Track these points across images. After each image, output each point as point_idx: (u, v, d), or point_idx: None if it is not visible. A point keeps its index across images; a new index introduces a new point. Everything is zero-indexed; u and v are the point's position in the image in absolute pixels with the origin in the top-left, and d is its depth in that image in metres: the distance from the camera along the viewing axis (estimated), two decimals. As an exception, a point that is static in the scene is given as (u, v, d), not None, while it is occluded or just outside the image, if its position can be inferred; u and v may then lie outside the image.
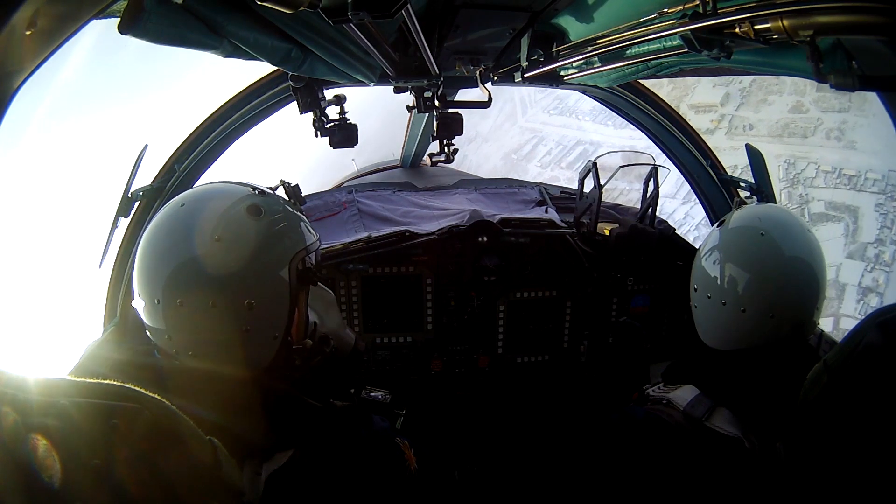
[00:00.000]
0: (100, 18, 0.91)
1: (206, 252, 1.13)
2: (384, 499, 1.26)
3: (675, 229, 2.75)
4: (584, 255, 2.66)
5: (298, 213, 1.33)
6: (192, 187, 1.52)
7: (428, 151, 3.76)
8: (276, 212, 1.24)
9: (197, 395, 1.04)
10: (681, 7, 1.20)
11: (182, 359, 1.15)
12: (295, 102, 2.16)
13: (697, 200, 2.81)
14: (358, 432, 1.28)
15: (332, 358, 1.40)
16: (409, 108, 2.73)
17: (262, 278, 1.18)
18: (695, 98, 23.22)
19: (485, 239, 2.56)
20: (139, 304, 1.17)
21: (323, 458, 1.17)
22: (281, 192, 1.37)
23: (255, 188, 1.27)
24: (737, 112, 22.43)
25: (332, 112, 2.30)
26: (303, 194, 1.53)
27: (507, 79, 2.30)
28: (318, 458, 1.16)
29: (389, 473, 1.29)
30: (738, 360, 1.51)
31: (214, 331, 1.15)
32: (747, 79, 21.58)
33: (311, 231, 1.32)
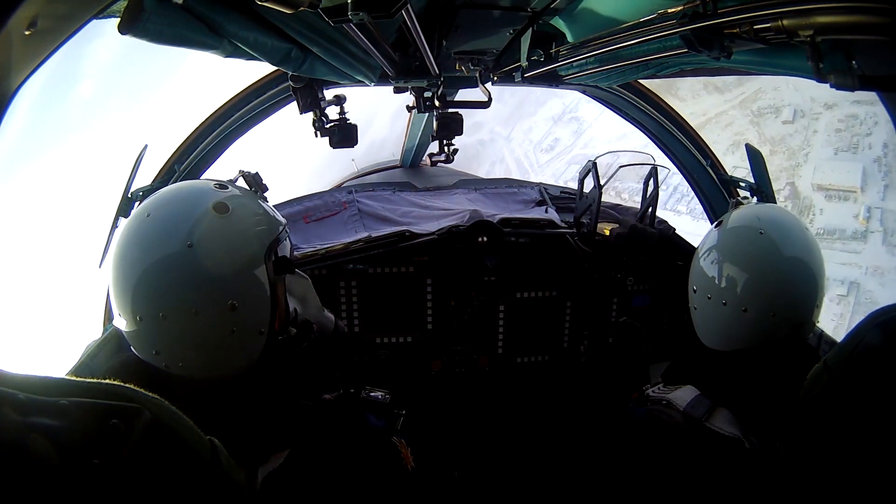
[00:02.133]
0: (100, 18, 0.92)
1: (182, 260, 1.11)
2: (380, 498, 1.26)
3: (674, 229, 2.75)
4: (584, 255, 2.66)
5: (262, 203, 1.32)
6: None
7: (428, 151, 3.76)
8: (242, 205, 1.23)
9: (192, 399, 1.04)
10: (681, 7, 1.20)
11: (173, 371, 1.14)
12: (295, 102, 2.16)
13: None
14: (353, 432, 1.28)
15: (317, 343, 1.40)
16: (409, 108, 2.73)
17: (241, 276, 1.17)
18: (817, 173, 14.32)
19: (485, 239, 2.56)
20: (120, 323, 1.15)
21: (318, 459, 1.17)
22: (241, 182, 1.37)
23: (215, 183, 1.26)
24: (885, 202, 13.55)
25: (332, 112, 2.30)
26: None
27: (507, 79, 2.30)
28: (313, 459, 1.16)
29: (384, 472, 1.29)
30: (738, 361, 1.51)
31: (201, 338, 1.13)
32: (876, 142, 13.79)
33: (278, 218, 1.32)
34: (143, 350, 1.15)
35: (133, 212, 1.20)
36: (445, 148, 2.83)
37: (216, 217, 1.16)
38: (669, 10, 1.26)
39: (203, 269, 1.12)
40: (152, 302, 1.10)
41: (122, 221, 1.95)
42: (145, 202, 1.21)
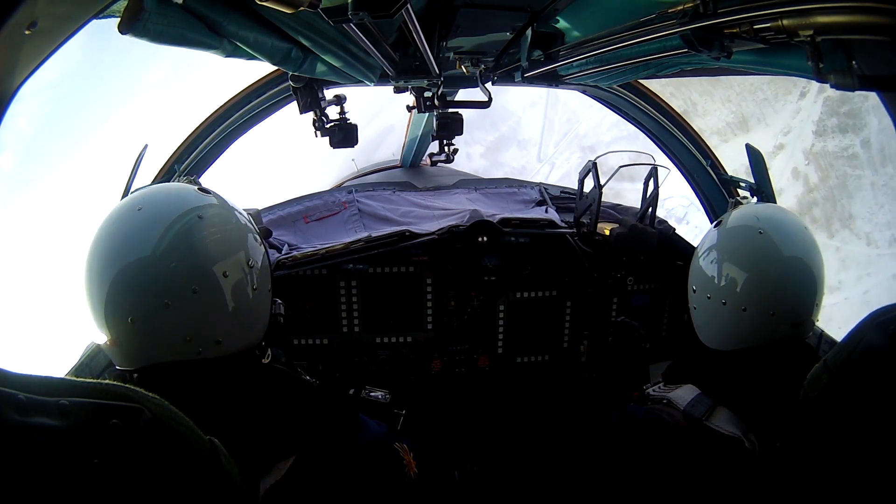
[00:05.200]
0: (100, 18, 0.92)
1: (203, 232, 1.16)
2: None
3: (674, 229, 2.74)
4: (584, 255, 2.66)
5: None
6: None
7: (428, 151, 3.76)
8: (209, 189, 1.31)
9: (194, 400, 1.03)
10: (681, 7, 1.20)
11: (207, 354, 1.14)
12: (295, 102, 2.16)
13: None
14: (356, 441, 1.28)
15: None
16: (409, 108, 2.74)
17: (249, 239, 1.25)
18: None
19: (485, 239, 2.56)
20: (122, 329, 1.09)
21: (321, 470, 1.16)
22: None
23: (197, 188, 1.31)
24: None
25: (333, 112, 2.30)
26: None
27: (507, 79, 2.30)
28: (316, 470, 1.16)
29: (388, 483, 1.30)
30: (739, 360, 1.51)
31: (232, 302, 1.17)
32: None
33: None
34: (167, 342, 1.11)
35: (115, 216, 1.16)
36: (445, 148, 2.83)
37: (202, 194, 1.23)
38: (669, 10, 1.26)
39: (221, 238, 1.18)
40: (185, 280, 1.10)
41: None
42: (125, 205, 1.18)
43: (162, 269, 1.09)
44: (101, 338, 1.12)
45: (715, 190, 2.68)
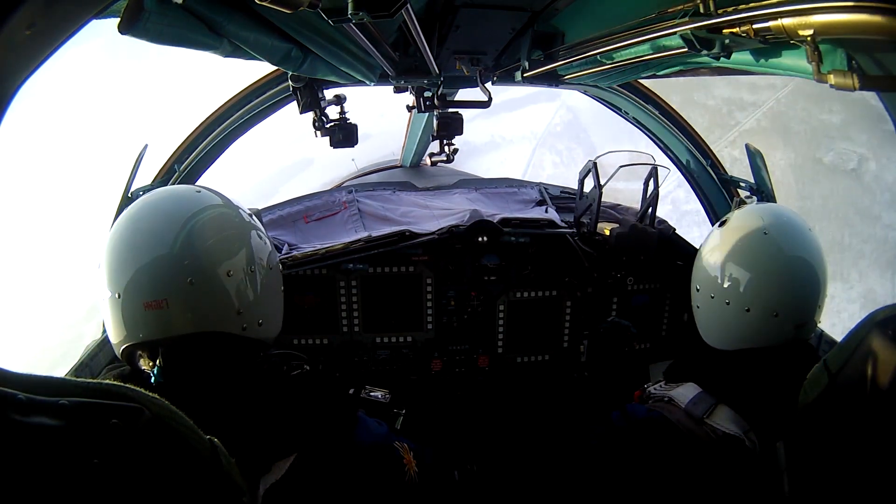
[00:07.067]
0: (100, 18, 0.91)
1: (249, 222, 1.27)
2: None
3: (675, 229, 2.74)
4: (584, 255, 2.66)
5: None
6: None
7: (428, 151, 3.75)
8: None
9: (195, 400, 1.02)
10: (681, 7, 1.20)
11: (249, 332, 1.19)
12: (295, 102, 2.16)
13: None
14: (357, 440, 1.28)
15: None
16: (409, 108, 2.73)
17: (267, 246, 1.33)
18: None
19: (484, 239, 2.56)
20: (178, 290, 1.09)
21: (321, 469, 1.17)
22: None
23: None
24: None
25: (333, 112, 2.30)
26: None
27: (507, 79, 2.30)
28: (317, 469, 1.16)
29: (388, 482, 1.30)
30: (741, 360, 1.51)
31: (276, 288, 1.29)
32: None
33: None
34: (217, 313, 1.15)
35: (174, 202, 1.20)
36: (445, 148, 2.82)
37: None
38: (669, 10, 1.26)
39: (254, 232, 1.27)
40: (247, 258, 1.19)
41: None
42: (170, 194, 1.24)
43: (230, 244, 1.19)
44: (132, 299, 1.10)
45: (715, 190, 2.68)
